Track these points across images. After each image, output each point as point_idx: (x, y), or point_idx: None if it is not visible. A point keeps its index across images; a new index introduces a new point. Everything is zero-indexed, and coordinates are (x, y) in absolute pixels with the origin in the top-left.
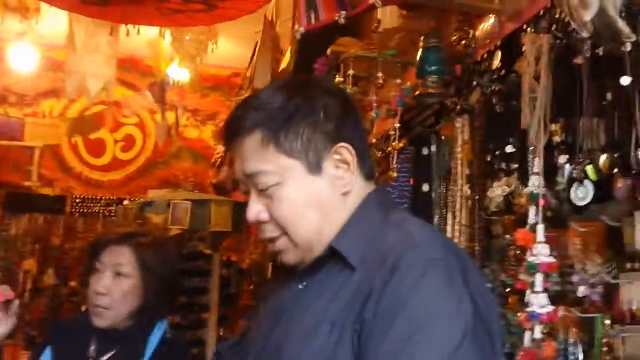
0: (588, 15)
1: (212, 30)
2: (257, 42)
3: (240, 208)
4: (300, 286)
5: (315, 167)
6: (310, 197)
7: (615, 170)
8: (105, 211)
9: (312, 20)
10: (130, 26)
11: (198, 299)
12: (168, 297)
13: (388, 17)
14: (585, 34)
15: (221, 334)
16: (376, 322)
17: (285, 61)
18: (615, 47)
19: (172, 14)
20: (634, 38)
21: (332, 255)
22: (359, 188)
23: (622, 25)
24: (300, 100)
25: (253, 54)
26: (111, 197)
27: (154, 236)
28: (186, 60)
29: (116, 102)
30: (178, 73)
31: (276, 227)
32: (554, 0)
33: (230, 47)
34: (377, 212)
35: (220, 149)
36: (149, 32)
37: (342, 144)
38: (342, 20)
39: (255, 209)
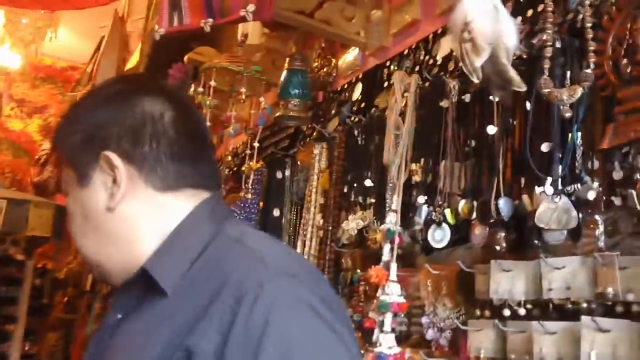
0: (479, 61)
1: (53, 17)
2: (102, 37)
3: (63, 212)
4: (119, 315)
5: (82, 180)
6: (84, 217)
7: (474, 216)
8: None
9: (175, 23)
10: None
11: (4, 309)
12: None
13: (250, 33)
14: (475, 79)
15: (27, 349)
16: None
17: (133, 61)
18: (504, 94)
19: None
20: (524, 88)
21: (146, 279)
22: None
23: (513, 74)
24: (70, 120)
25: (97, 49)
26: None
27: None
28: (19, 45)
29: None
30: (8, 58)
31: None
32: (420, 44)
33: (69, 38)
34: (207, 226)
35: (46, 145)
36: None
37: (98, 160)
38: (207, 28)
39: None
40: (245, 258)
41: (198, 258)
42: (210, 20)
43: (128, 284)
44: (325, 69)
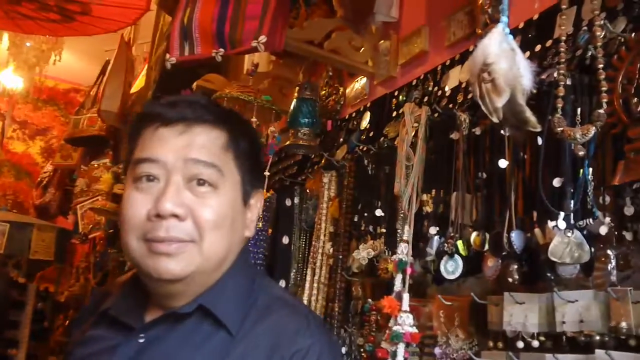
0: (500, 102)
1: (57, 40)
2: (107, 61)
3: (65, 235)
4: (140, 340)
5: (245, 197)
6: (233, 219)
7: (486, 248)
8: None
9: (186, 52)
10: None
11: (7, 332)
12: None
13: (257, 60)
14: (495, 119)
15: None
16: None
17: (138, 85)
18: (519, 133)
19: (21, 19)
20: (539, 128)
21: (194, 312)
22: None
23: (529, 115)
24: (254, 133)
25: (102, 73)
26: None
27: None
28: (23, 68)
29: None
30: (11, 80)
31: (194, 229)
32: (428, 75)
33: (73, 61)
34: (247, 276)
35: (48, 168)
36: None
37: (261, 190)
38: (218, 58)
39: (176, 200)
40: (291, 314)
41: (252, 305)
42: (222, 50)
43: (149, 307)
44: (333, 97)
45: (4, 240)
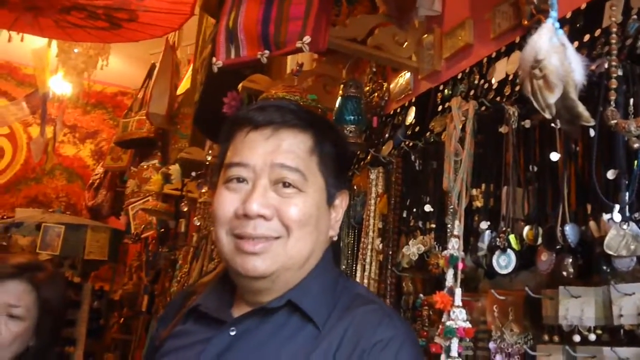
0: (553, 98)
1: (104, 46)
2: (153, 64)
3: (118, 235)
4: (232, 332)
5: (329, 199)
6: (317, 219)
7: (539, 242)
8: None
9: (232, 55)
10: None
11: (64, 331)
12: (58, 333)
13: (301, 59)
14: (548, 116)
15: None
16: None
17: (183, 87)
18: (573, 128)
19: (71, 28)
20: (593, 122)
21: (282, 307)
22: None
23: (582, 109)
24: (339, 135)
25: (148, 76)
26: None
27: (51, 270)
28: (72, 74)
29: None
30: (61, 86)
31: (280, 227)
32: (474, 68)
33: (120, 65)
34: (332, 275)
35: (99, 170)
36: (34, 40)
37: (346, 190)
38: (264, 60)
39: (262, 201)
40: (373, 311)
41: (336, 302)
42: (267, 52)
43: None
44: (377, 93)
45: (59, 242)
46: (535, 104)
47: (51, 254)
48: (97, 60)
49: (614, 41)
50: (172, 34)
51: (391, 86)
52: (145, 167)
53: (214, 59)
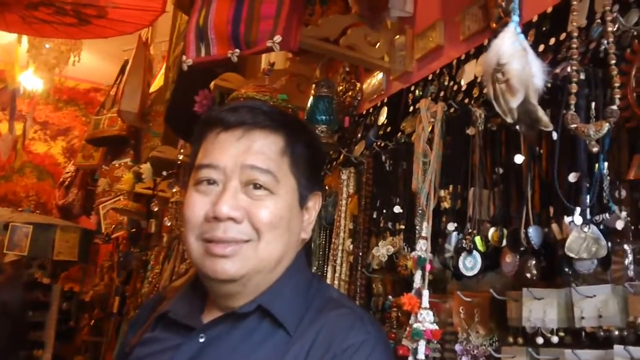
0: (515, 102)
1: (76, 42)
2: (126, 61)
3: (88, 235)
4: (200, 339)
5: (302, 201)
6: (289, 221)
7: (504, 243)
8: None
9: (202, 54)
10: None
11: (32, 334)
12: (21, 336)
13: (274, 58)
14: (509, 120)
15: None
16: None
17: (156, 84)
18: (531, 132)
19: (38, 24)
20: (552, 127)
21: (253, 312)
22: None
23: (541, 114)
24: (312, 136)
25: (121, 73)
26: None
27: (10, 272)
28: (43, 69)
29: None
30: (32, 82)
31: (250, 229)
32: (444, 69)
33: (93, 61)
34: (304, 278)
35: (70, 168)
36: (3, 35)
37: (319, 192)
38: (234, 59)
39: (232, 203)
40: (346, 314)
41: (309, 306)
42: (237, 50)
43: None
44: (350, 93)
45: (27, 242)
46: (497, 108)
47: (19, 255)
48: (69, 56)
49: (575, 45)
50: (146, 31)
51: (364, 86)
52: (117, 165)
53: (183, 57)
